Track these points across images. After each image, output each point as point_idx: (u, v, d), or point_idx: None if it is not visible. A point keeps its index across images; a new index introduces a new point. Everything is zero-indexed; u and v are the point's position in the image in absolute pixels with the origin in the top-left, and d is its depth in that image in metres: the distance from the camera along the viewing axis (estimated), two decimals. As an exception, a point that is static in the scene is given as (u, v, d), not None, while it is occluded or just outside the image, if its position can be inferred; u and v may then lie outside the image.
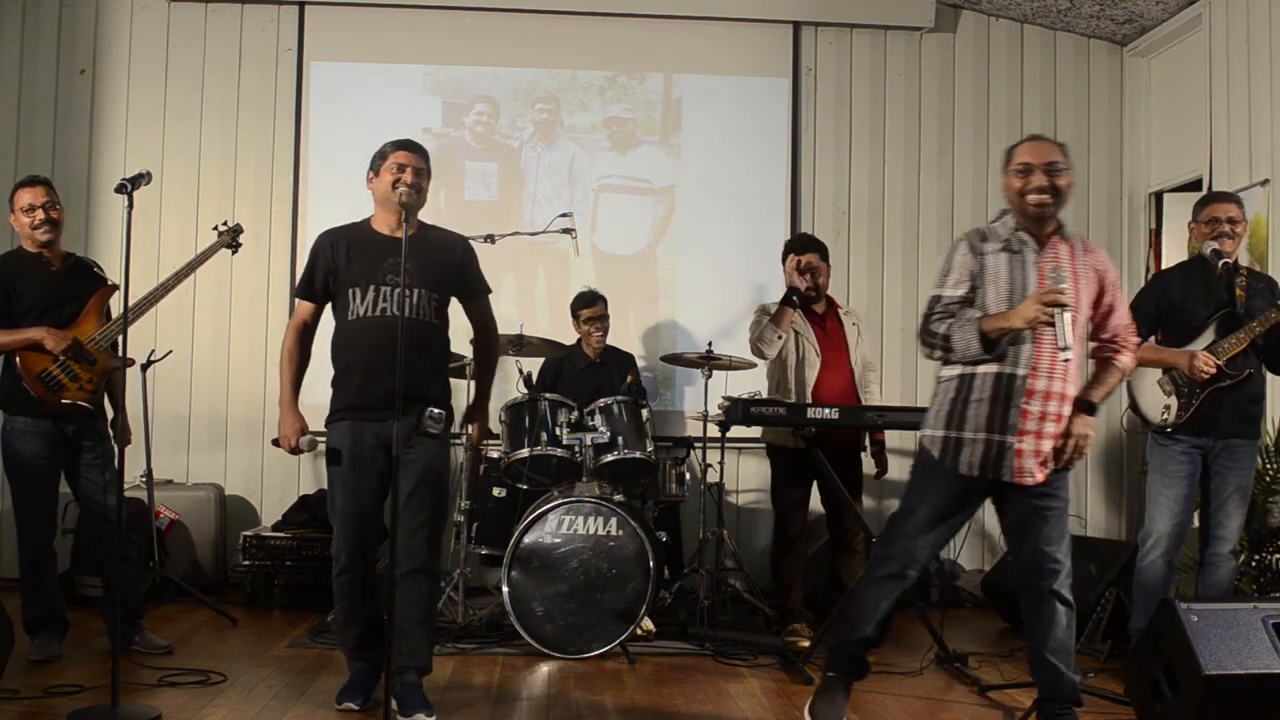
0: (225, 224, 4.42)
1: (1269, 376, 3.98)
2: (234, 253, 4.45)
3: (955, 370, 3.11)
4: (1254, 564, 4.37)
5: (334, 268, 3.43)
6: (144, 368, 4.72)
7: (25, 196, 3.98)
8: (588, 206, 5.88)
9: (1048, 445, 3.03)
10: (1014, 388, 3.00)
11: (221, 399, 5.75)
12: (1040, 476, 3.04)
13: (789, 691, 3.74)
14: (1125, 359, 3.17)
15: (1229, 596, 3.79)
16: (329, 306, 3.51)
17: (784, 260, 4.63)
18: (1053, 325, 2.90)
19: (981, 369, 3.04)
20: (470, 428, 3.63)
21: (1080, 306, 3.04)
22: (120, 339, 3.67)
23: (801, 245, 4.65)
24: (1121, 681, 3.70)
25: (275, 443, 3.49)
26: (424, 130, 5.86)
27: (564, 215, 4.97)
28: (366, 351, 3.36)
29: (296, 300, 3.56)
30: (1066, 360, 2.93)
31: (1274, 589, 4.28)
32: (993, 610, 5.13)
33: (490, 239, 4.66)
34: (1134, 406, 4.02)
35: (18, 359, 3.88)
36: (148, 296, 4.07)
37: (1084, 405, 3.07)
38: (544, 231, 5.07)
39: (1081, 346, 3.09)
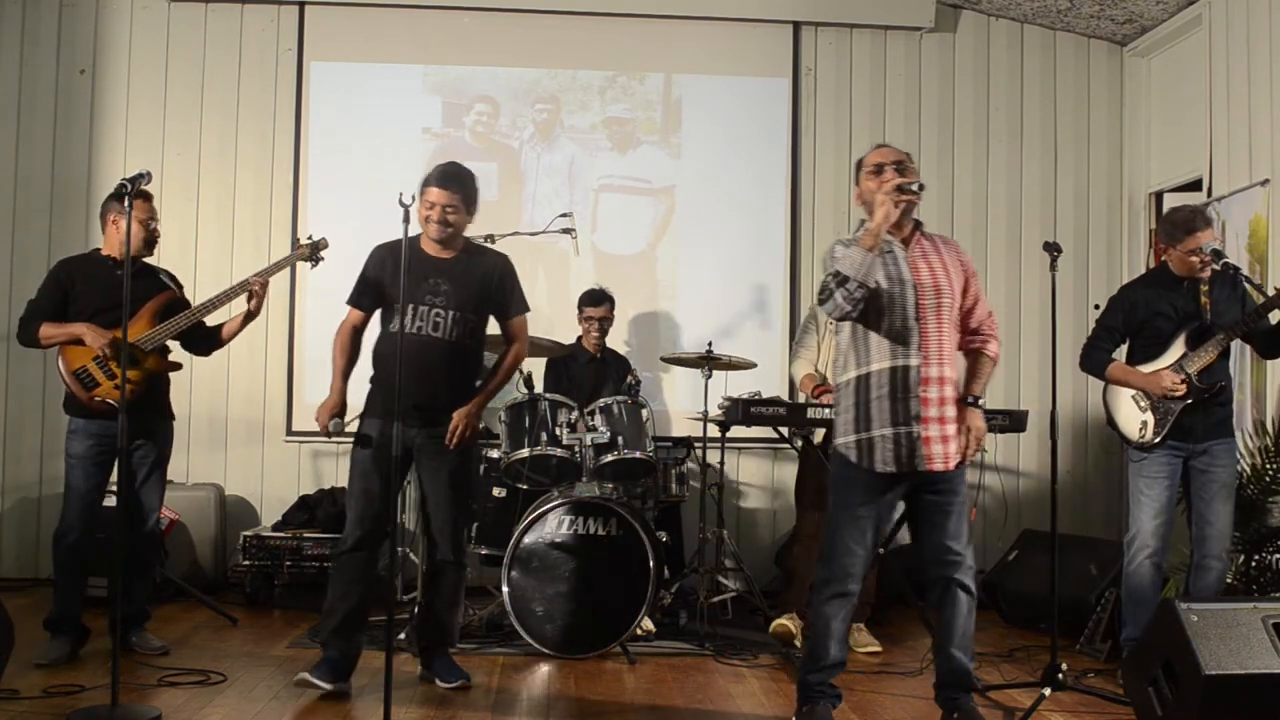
0: (310, 238, 4.20)
1: (1238, 375, 3.98)
2: (313, 266, 4.23)
3: (851, 373, 3.18)
4: (1254, 564, 4.37)
5: (382, 282, 3.71)
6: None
7: (142, 209, 3.99)
8: (588, 206, 5.88)
9: (951, 429, 3.13)
10: (910, 379, 3.10)
11: (221, 399, 5.75)
12: (951, 462, 3.14)
13: (789, 691, 3.73)
14: (994, 347, 3.32)
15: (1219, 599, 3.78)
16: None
17: None
18: (912, 196, 3.08)
19: (876, 366, 3.12)
20: (456, 414, 3.69)
21: (954, 296, 3.19)
22: (122, 344, 3.65)
23: None
24: (1121, 681, 3.70)
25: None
26: (424, 130, 5.87)
27: (564, 215, 4.97)
28: (402, 364, 3.62)
29: (348, 306, 3.80)
30: (919, 190, 3.10)
31: (1274, 589, 4.28)
32: (993, 610, 5.13)
33: (490, 239, 4.65)
34: (1111, 423, 4.03)
35: (59, 355, 3.89)
36: (208, 302, 4.03)
37: (971, 401, 3.22)
38: (544, 231, 5.07)
39: (955, 334, 3.21)
